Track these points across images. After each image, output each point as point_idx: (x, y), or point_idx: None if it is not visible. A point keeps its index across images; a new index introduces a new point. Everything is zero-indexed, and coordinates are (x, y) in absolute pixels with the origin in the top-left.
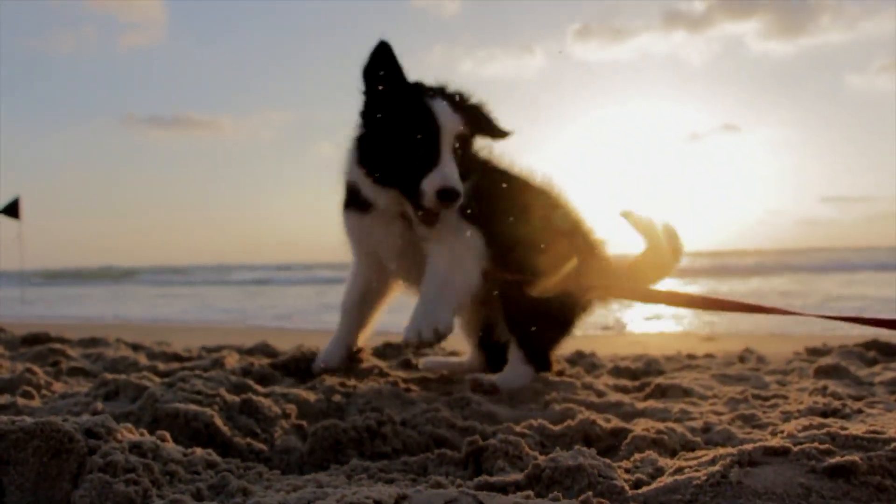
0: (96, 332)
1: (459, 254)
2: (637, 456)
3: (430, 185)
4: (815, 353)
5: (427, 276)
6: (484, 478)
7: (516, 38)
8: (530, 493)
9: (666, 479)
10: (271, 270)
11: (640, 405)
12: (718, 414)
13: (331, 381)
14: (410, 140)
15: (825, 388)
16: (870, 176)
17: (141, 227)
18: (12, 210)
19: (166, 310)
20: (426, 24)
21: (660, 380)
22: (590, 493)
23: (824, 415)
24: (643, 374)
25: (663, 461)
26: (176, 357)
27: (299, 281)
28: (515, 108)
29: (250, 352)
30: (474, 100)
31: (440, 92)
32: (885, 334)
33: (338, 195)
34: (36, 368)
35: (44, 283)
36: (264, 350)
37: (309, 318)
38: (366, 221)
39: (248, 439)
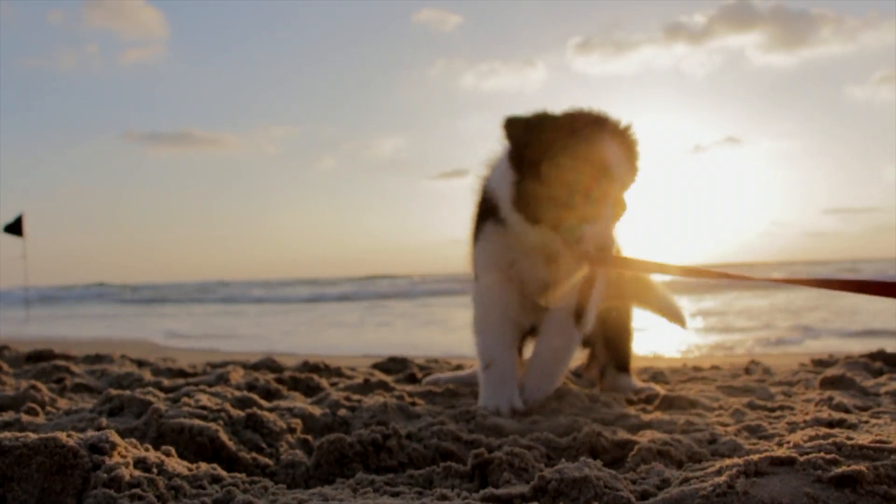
0: (100, 348)
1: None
2: (643, 467)
3: (591, 236)
4: (820, 364)
5: (546, 346)
6: (490, 490)
7: (518, 52)
8: None
9: (672, 490)
10: (275, 287)
11: (646, 417)
12: (724, 425)
13: (336, 395)
14: (578, 187)
15: (831, 398)
16: (873, 187)
17: (144, 244)
18: (16, 228)
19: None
20: (428, 38)
21: (666, 392)
22: (596, 503)
23: (830, 425)
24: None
25: (669, 472)
26: (181, 373)
27: (306, 298)
28: None
29: (255, 367)
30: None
31: (609, 128)
32: (890, 346)
33: (472, 208)
34: (40, 385)
35: (49, 300)
36: (269, 365)
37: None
38: (511, 242)
39: (254, 454)
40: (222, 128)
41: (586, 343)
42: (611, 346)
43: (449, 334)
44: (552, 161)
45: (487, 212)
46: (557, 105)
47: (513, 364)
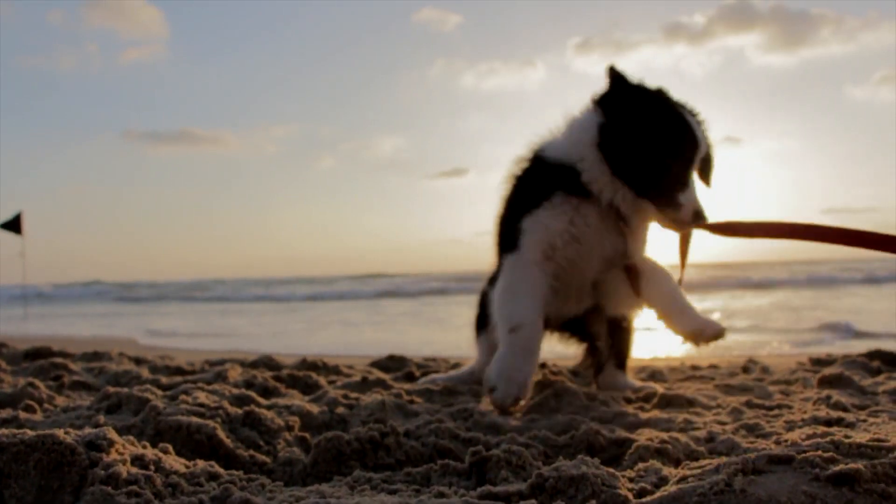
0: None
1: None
2: (641, 465)
3: (687, 201)
4: (818, 363)
5: (667, 283)
6: (487, 488)
7: (518, 52)
8: (533, 502)
9: (670, 488)
10: (273, 285)
11: (644, 415)
12: (722, 424)
13: (334, 393)
14: (672, 155)
15: (829, 397)
16: (872, 187)
17: (143, 242)
18: (14, 225)
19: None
20: (428, 38)
21: (664, 390)
22: (593, 501)
23: (828, 424)
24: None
25: (667, 471)
26: (179, 371)
27: (304, 297)
28: (518, 121)
29: (253, 365)
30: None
31: (689, 110)
32: (888, 345)
33: (517, 179)
34: (38, 382)
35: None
36: (267, 363)
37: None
38: (581, 214)
39: (251, 451)
40: (222, 127)
41: (586, 337)
42: (615, 344)
43: (448, 333)
44: (661, 131)
45: (553, 180)
46: (558, 107)
47: (540, 334)
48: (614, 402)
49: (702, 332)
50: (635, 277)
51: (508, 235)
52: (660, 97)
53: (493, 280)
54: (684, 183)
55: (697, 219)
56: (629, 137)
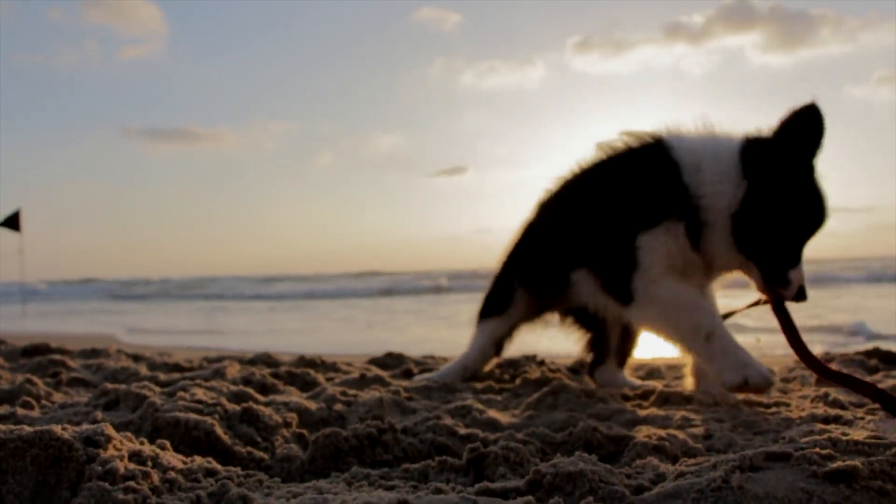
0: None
1: None
2: (638, 462)
3: (795, 279)
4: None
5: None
6: (485, 484)
7: (517, 51)
8: (531, 498)
9: (667, 485)
10: (272, 283)
11: (642, 413)
12: (720, 421)
13: (332, 389)
14: (803, 231)
15: (827, 395)
16: (871, 187)
17: (141, 239)
18: (13, 222)
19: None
20: (427, 36)
21: (662, 387)
22: (591, 498)
23: (826, 421)
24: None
25: (665, 467)
26: (177, 367)
27: (302, 295)
28: (517, 120)
29: (251, 362)
30: None
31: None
32: (885, 343)
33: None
34: (36, 379)
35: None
36: (265, 360)
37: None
38: (685, 245)
39: (249, 448)
40: (221, 123)
41: (595, 328)
42: (623, 342)
43: (447, 331)
44: (802, 204)
45: (673, 200)
46: (557, 105)
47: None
48: (612, 399)
49: (745, 382)
50: None
51: (619, 247)
52: (809, 165)
53: (516, 265)
54: (798, 258)
55: (800, 298)
56: (767, 204)
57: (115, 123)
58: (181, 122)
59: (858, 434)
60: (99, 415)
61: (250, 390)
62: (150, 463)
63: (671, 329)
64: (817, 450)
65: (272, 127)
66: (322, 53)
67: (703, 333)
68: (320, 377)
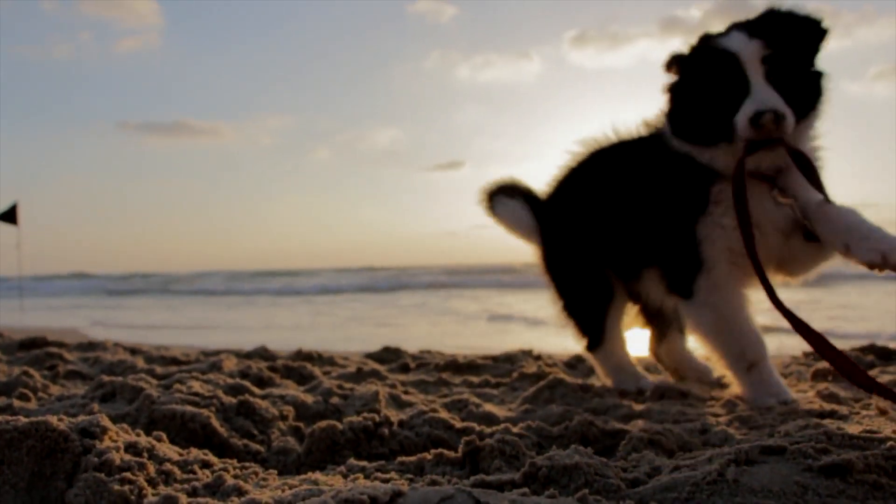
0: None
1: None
2: (634, 456)
3: (741, 117)
4: (812, 357)
5: (845, 211)
6: (481, 476)
7: (513, 44)
8: (526, 490)
9: (663, 478)
10: (267, 278)
11: (638, 407)
12: (716, 416)
13: (329, 383)
14: (715, 87)
15: (823, 390)
16: (869, 182)
17: (136, 233)
18: (10, 216)
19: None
20: (423, 29)
21: (657, 382)
22: (585, 490)
23: (821, 416)
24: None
25: (660, 461)
26: (174, 361)
27: (297, 290)
28: (513, 114)
29: (248, 356)
30: (788, 13)
31: (735, 27)
32: (881, 339)
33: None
34: (33, 371)
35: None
36: (262, 354)
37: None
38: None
39: (245, 440)
40: (217, 118)
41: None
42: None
43: (443, 326)
44: (686, 80)
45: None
46: (554, 99)
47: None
48: (609, 394)
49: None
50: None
51: (679, 250)
52: (686, 58)
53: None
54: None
55: (756, 123)
56: (679, 109)
57: (110, 116)
58: (176, 115)
59: (853, 428)
60: (95, 407)
61: (247, 383)
62: (145, 454)
63: (718, 345)
64: (812, 444)
65: (269, 121)
66: (318, 47)
67: (748, 363)
68: (317, 371)
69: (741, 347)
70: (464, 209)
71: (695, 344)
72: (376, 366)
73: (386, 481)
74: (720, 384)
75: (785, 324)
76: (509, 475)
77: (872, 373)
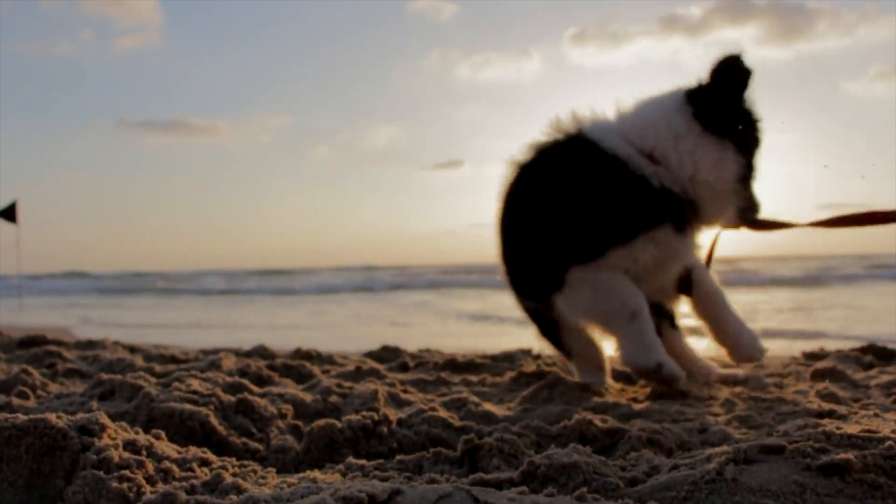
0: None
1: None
2: (633, 455)
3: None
4: (812, 357)
5: (721, 300)
6: (479, 475)
7: (513, 43)
8: (525, 489)
9: (661, 477)
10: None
11: (637, 406)
12: (715, 415)
13: (328, 382)
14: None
15: (822, 390)
16: (868, 183)
17: (136, 232)
18: (9, 214)
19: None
20: (423, 28)
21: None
22: (584, 489)
23: (820, 416)
24: None
25: (659, 460)
26: (173, 359)
27: (295, 289)
28: (513, 113)
29: (248, 354)
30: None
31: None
32: (880, 339)
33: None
34: (32, 370)
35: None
36: (261, 353)
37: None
38: (675, 238)
39: (244, 439)
40: (216, 116)
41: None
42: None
43: (443, 325)
44: (757, 125)
45: (624, 176)
46: (554, 98)
47: (652, 322)
48: (608, 393)
49: (751, 356)
50: (692, 287)
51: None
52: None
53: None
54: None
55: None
56: (727, 131)
57: (111, 114)
58: (176, 113)
59: (852, 428)
60: (94, 405)
61: (246, 382)
62: (144, 452)
63: (599, 308)
64: (811, 443)
65: (269, 119)
66: (317, 45)
67: (630, 311)
68: (316, 369)
69: (621, 299)
70: (463, 208)
71: (695, 344)
72: (375, 364)
73: (384, 480)
74: (722, 382)
75: (785, 325)
76: (508, 474)
77: (872, 373)
